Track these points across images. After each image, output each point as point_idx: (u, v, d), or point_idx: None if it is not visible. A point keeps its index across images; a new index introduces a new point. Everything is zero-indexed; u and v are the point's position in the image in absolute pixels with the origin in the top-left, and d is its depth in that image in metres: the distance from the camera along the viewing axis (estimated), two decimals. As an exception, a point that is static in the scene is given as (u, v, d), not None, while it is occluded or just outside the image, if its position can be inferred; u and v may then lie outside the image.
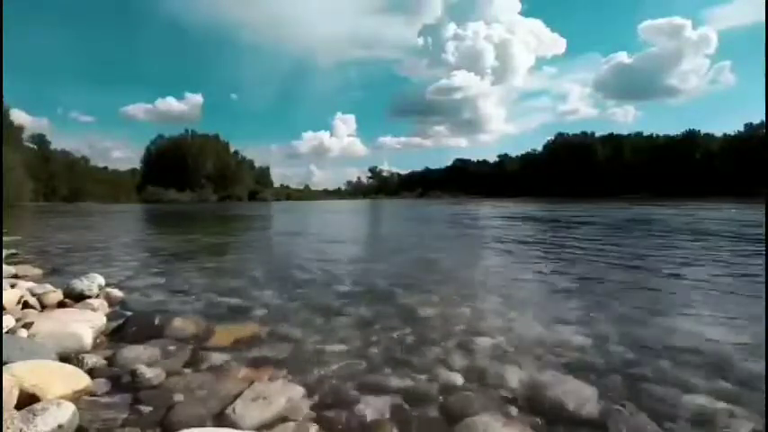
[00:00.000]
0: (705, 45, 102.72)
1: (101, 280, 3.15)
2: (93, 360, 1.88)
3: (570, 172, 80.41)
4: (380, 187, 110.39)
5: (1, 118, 43.34)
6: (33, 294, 2.81)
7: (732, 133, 69.67)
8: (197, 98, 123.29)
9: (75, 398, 1.50)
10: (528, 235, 8.80)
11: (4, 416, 1.23)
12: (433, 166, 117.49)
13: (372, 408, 1.53)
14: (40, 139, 64.36)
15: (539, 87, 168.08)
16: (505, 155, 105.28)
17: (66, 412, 1.32)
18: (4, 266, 3.69)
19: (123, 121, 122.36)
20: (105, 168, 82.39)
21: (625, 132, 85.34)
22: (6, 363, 1.52)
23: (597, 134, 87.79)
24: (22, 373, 1.45)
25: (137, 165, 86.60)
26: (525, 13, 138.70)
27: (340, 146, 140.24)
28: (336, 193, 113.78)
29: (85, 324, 2.21)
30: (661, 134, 79.00)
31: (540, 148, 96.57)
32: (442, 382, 1.75)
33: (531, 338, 2.27)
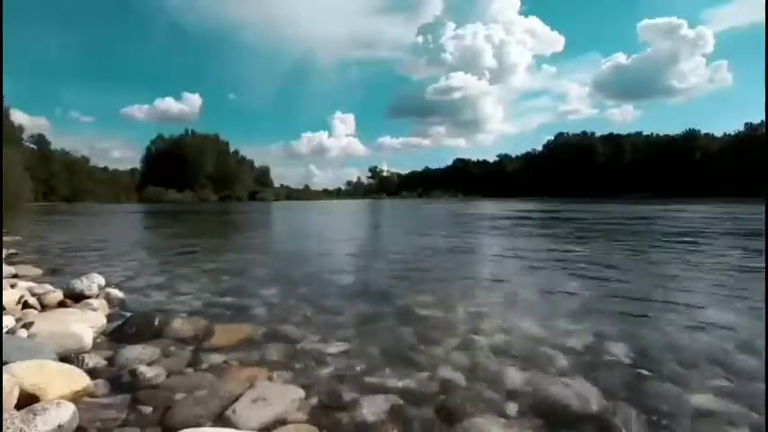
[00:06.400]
0: (704, 45, 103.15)
1: (101, 280, 3.14)
2: (93, 360, 1.88)
3: (570, 172, 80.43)
4: (380, 187, 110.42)
5: (1, 118, 43.33)
6: (33, 294, 2.80)
7: (732, 133, 69.72)
8: (196, 98, 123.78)
9: (76, 398, 1.50)
10: (527, 234, 8.80)
11: (4, 416, 1.23)
12: (432, 166, 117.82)
13: (372, 408, 1.52)
14: (39, 139, 64.45)
15: (538, 87, 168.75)
16: (505, 155, 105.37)
17: (66, 412, 1.32)
18: (4, 266, 3.69)
19: (123, 121, 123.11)
20: (105, 168, 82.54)
21: (624, 132, 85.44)
22: (6, 363, 1.52)
23: (597, 134, 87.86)
24: (22, 373, 1.45)
25: (137, 165, 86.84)
26: (525, 12, 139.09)
27: (339, 146, 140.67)
28: (336, 194, 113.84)
29: (85, 324, 2.21)
30: (661, 134, 79.06)
31: (539, 148, 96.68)
32: (441, 381, 1.75)
33: (531, 338, 2.27)
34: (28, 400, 1.37)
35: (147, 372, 1.74)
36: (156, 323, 2.33)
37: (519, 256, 5.58)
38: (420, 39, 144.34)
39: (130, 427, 1.40)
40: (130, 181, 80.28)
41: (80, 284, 2.93)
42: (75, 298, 2.83)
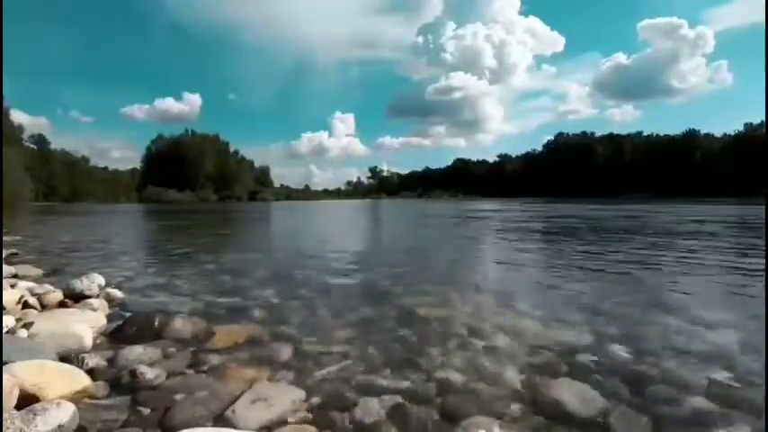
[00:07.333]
0: (704, 45, 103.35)
1: (101, 280, 3.14)
2: (93, 360, 1.87)
3: (570, 172, 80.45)
4: (380, 187, 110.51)
5: (1, 118, 43.36)
6: (33, 294, 2.80)
7: (732, 133, 69.78)
8: (196, 98, 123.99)
9: (76, 398, 1.50)
10: (527, 234, 8.80)
11: (4, 416, 1.23)
12: (432, 166, 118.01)
13: (372, 409, 1.52)
14: (39, 139, 64.59)
15: (538, 87, 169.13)
16: (505, 155, 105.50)
17: (67, 412, 1.32)
18: (4, 266, 3.69)
19: (123, 121, 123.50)
20: (105, 168, 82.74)
21: (624, 132, 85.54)
22: (6, 363, 1.52)
23: (597, 134, 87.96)
24: (22, 373, 1.45)
25: (137, 165, 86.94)
26: (525, 12, 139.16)
27: (339, 145, 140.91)
28: (336, 194, 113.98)
29: (86, 324, 2.20)
30: (661, 134, 79.14)
31: (539, 148, 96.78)
32: (441, 382, 1.75)
33: (531, 338, 2.27)
34: (28, 400, 1.37)
35: (148, 372, 1.73)
36: (157, 324, 2.33)
37: (518, 256, 5.58)
38: (420, 39, 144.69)
39: (131, 427, 1.39)
40: (130, 181, 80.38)
41: (80, 284, 2.93)
42: (76, 298, 2.83)
